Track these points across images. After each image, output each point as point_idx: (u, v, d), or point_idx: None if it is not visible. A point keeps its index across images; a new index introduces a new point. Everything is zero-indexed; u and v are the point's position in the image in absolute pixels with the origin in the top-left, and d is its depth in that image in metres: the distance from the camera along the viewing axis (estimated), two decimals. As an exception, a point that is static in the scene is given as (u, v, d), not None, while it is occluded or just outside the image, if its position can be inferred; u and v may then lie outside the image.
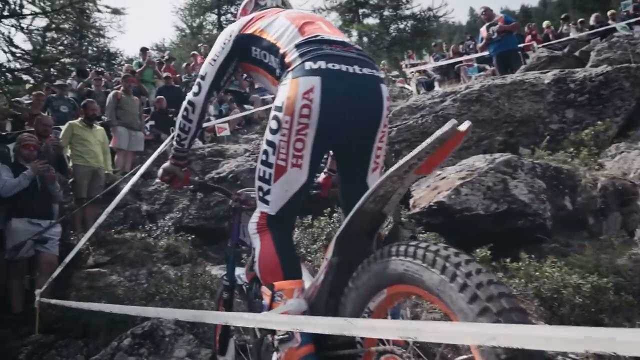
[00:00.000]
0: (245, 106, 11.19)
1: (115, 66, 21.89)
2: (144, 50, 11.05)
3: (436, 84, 12.17)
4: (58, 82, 8.96)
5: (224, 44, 2.01)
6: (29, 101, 7.84)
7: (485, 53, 11.34)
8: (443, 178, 4.32)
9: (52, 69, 6.71)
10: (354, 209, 1.37)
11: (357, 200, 1.37)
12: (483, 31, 8.85)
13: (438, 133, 1.14)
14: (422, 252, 1.10)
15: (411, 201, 4.44)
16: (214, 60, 2.03)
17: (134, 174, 7.25)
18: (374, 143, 1.71)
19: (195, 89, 2.07)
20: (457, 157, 5.30)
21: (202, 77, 2.05)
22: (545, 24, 13.04)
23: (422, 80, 11.68)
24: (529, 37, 12.83)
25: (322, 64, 1.63)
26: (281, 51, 1.76)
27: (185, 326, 3.61)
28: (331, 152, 2.05)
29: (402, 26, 3.74)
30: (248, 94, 11.04)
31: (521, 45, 10.61)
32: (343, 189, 1.85)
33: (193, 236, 6.09)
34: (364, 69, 1.67)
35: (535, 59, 7.42)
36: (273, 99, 1.76)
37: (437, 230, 4.21)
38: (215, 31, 23.59)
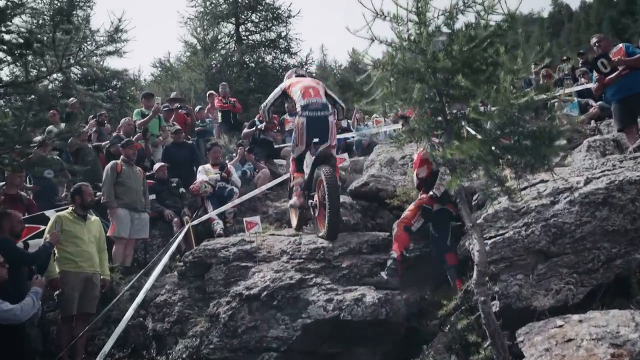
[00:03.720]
0: (276, 161, 11.01)
1: (108, 90, 22.31)
2: (147, 97, 11.05)
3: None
4: (37, 138, 8.89)
5: (279, 90, 7.08)
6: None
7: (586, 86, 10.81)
8: (569, 340, 3.86)
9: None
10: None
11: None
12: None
13: None
14: None
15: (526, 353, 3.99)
16: (273, 97, 7.13)
17: (141, 278, 7.14)
18: (328, 137, 6.54)
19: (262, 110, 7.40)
20: (578, 282, 4.83)
21: (266, 105, 7.21)
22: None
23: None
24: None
25: (307, 113, 6.47)
26: (296, 105, 6.72)
27: None
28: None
29: (509, 142, 3.32)
30: (279, 148, 10.87)
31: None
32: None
33: (215, 376, 5.78)
34: (322, 112, 6.50)
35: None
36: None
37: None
38: (232, 45, 23.92)
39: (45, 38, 6.37)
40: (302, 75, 7.38)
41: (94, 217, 7.11)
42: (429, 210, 6.12)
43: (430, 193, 6.11)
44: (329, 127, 6.55)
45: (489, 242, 5.07)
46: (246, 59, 23.14)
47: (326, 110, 6.56)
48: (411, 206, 6.30)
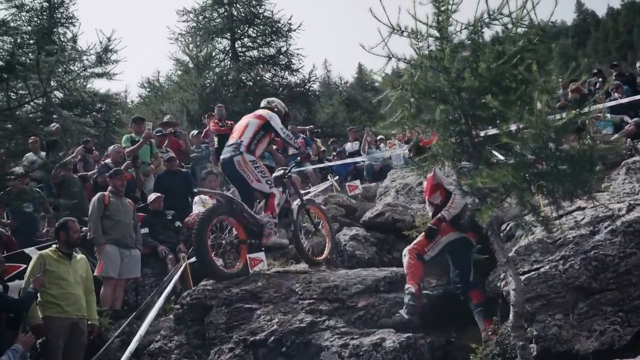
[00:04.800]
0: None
1: (92, 114, 22.46)
2: (138, 122, 11.13)
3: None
4: (16, 169, 8.89)
5: None
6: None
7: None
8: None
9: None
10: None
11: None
12: None
13: None
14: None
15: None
16: None
17: (132, 322, 7.10)
18: (238, 175, 6.87)
19: None
20: (624, 322, 4.78)
21: None
22: None
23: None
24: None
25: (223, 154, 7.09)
26: None
27: None
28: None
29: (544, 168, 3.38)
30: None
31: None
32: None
33: None
34: (226, 155, 6.94)
35: None
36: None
37: None
38: (228, 62, 24.18)
39: (28, 60, 6.45)
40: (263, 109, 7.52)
41: (79, 256, 7.08)
42: (433, 230, 6.00)
43: (439, 215, 6.03)
44: (235, 168, 6.86)
45: (523, 277, 5.03)
46: (243, 77, 23.36)
47: (232, 151, 6.90)
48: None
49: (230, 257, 7.29)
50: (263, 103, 7.64)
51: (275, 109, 7.39)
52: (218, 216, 6.74)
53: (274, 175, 7.36)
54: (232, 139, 7.06)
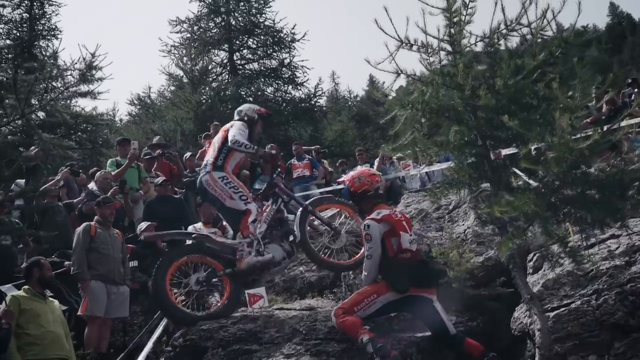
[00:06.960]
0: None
1: (76, 134, 22.55)
2: (123, 144, 11.14)
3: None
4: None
5: None
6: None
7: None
8: None
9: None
10: None
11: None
12: None
13: None
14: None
15: None
16: None
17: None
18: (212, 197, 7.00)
19: None
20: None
21: None
22: None
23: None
24: None
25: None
26: None
27: None
28: None
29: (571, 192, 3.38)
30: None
31: None
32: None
33: None
34: (199, 178, 7.22)
35: None
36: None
37: None
38: (226, 76, 24.32)
39: (5, 79, 6.53)
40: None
41: (51, 298, 7.03)
42: None
43: None
44: (206, 189, 7.02)
45: (552, 314, 5.01)
46: (242, 92, 23.36)
47: (202, 174, 7.16)
48: (367, 288, 5.98)
49: (207, 297, 7.30)
50: (235, 116, 7.62)
51: (246, 118, 7.37)
52: (180, 258, 6.76)
53: (264, 189, 7.39)
54: (203, 163, 7.36)
